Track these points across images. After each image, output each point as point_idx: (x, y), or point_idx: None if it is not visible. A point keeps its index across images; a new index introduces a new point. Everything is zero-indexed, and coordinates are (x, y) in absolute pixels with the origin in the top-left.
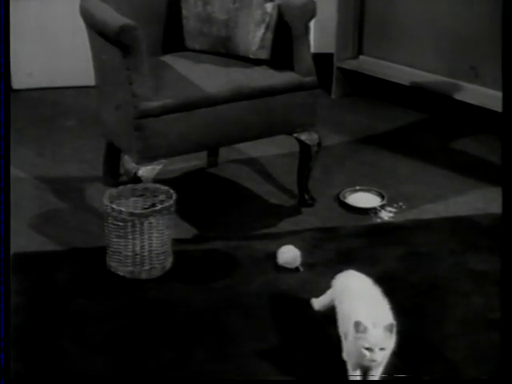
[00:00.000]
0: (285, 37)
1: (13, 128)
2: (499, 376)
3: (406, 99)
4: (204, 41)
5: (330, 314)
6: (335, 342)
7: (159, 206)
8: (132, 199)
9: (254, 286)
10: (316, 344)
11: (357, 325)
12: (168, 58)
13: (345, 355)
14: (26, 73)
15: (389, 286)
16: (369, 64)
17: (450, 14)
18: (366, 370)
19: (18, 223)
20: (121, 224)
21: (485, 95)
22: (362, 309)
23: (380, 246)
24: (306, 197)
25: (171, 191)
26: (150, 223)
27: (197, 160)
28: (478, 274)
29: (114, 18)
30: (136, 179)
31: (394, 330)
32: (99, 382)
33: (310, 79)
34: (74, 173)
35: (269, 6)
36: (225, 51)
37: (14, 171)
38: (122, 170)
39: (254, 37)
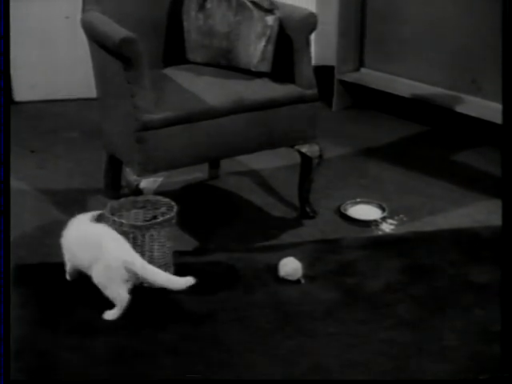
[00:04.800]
0: (286, 49)
1: (14, 140)
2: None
3: (407, 112)
4: (205, 53)
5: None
6: (336, 354)
7: (160, 219)
8: (133, 211)
9: (255, 297)
10: (316, 356)
11: None
12: (169, 71)
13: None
14: (28, 85)
15: (390, 297)
16: (370, 76)
17: (452, 27)
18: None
19: (20, 235)
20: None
21: (486, 108)
22: None
23: (381, 258)
24: (307, 209)
25: (172, 203)
26: (152, 235)
27: (198, 172)
28: (478, 286)
29: (116, 31)
30: (137, 191)
31: None
32: None
33: (311, 92)
34: (75, 185)
35: (270, 19)
36: (226, 63)
37: (16, 183)
38: (123, 183)
39: (255, 49)
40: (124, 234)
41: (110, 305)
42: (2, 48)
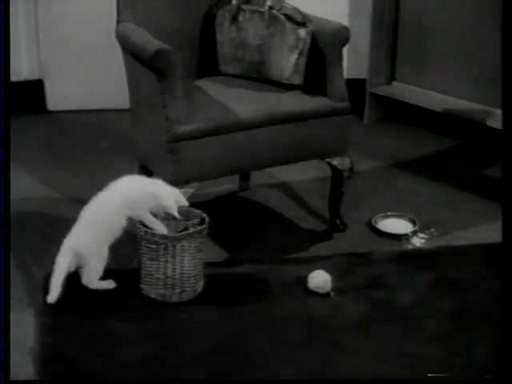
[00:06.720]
0: (318, 62)
1: (47, 149)
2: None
3: (439, 125)
4: (237, 65)
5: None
6: (364, 368)
7: (192, 230)
8: (165, 222)
9: (284, 310)
10: (344, 369)
11: None
12: (202, 82)
13: None
14: (61, 95)
15: (420, 312)
16: (402, 90)
17: (483, 41)
18: None
19: (52, 244)
20: (153, 247)
21: None
22: None
23: (411, 272)
24: (338, 222)
25: (204, 215)
26: (183, 246)
27: (229, 184)
28: None
29: (150, 42)
30: None
31: None
32: None
33: (343, 105)
34: None
35: (302, 32)
36: (258, 76)
37: (50, 192)
38: None
39: (288, 62)
40: (156, 244)
41: (137, 315)
42: (2, 51)
